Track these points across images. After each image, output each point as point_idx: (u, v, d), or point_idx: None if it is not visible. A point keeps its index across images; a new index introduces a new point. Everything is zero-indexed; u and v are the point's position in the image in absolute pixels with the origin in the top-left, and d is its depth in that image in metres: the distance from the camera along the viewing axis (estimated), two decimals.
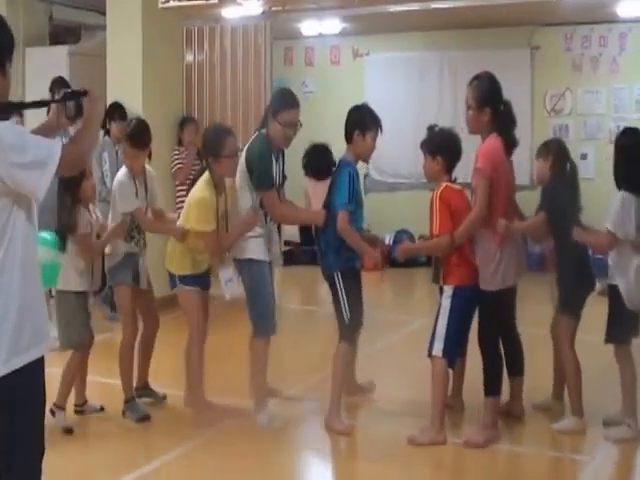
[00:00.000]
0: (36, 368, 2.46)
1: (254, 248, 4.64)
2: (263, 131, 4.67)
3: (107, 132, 7.16)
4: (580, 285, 4.56)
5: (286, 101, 4.68)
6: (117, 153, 7.04)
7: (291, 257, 9.89)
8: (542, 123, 9.73)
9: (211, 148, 4.70)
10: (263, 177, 4.57)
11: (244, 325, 4.90)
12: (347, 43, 10.85)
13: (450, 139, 4.54)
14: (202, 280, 4.83)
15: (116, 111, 7.14)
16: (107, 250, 4.81)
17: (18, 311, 2.39)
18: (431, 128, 4.59)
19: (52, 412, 4.55)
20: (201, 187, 4.65)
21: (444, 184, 4.46)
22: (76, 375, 4.74)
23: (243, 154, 4.66)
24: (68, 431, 4.57)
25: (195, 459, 4.30)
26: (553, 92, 9.93)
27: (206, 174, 4.68)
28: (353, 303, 4.65)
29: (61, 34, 8.90)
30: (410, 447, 4.37)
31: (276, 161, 4.66)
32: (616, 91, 9.59)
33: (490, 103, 4.36)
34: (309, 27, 9.96)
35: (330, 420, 4.64)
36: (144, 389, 5.09)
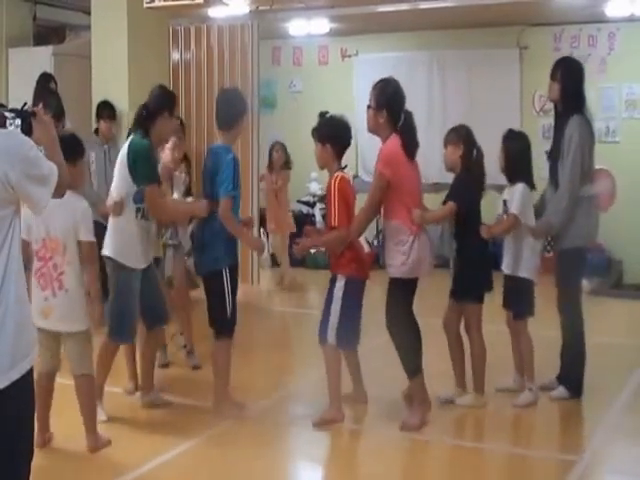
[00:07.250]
0: (29, 375, 2.45)
1: (122, 250, 4.55)
2: (140, 132, 4.60)
3: (95, 131, 7.06)
4: (483, 272, 4.85)
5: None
6: (105, 153, 6.95)
7: None
8: (531, 123, 9.67)
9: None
10: (150, 170, 4.57)
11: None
12: (335, 43, 10.79)
13: (339, 127, 4.58)
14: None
15: (105, 110, 7.05)
16: None
17: (17, 319, 2.37)
18: (322, 115, 4.64)
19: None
20: None
21: (339, 174, 4.52)
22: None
23: (125, 146, 4.63)
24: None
25: (197, 456, 4.29)
26: (542, 92, 9.85)
27: None
28: (234, 298, 4.66)
29: (45, 34, 8.81)
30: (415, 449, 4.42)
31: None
32: (605, 91, 9.55)
33: (387, 107, 4.42)
34: (297, 27, 9.87)
35: (218, 407, 4.66)
36: None
